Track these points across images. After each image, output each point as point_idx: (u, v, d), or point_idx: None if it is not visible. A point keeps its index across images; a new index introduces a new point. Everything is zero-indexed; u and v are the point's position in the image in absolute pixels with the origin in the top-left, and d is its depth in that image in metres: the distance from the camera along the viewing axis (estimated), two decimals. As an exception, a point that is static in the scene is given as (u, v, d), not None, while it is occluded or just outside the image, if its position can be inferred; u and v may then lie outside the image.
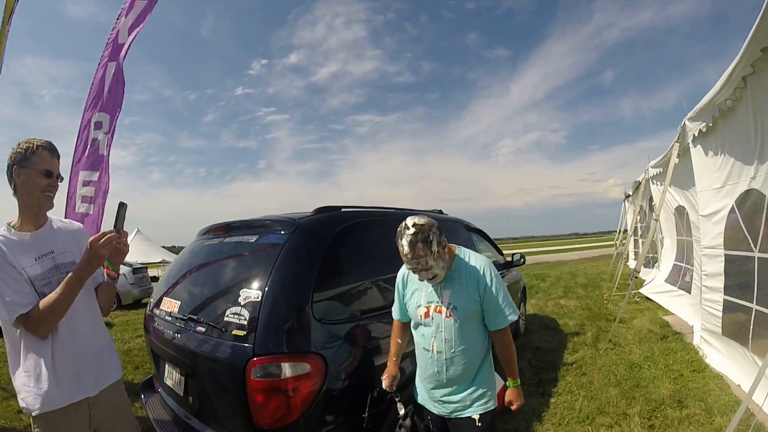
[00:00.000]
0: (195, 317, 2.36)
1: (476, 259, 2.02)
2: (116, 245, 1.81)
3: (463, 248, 2.09)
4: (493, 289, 1.94)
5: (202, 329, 2.26)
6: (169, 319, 2.59)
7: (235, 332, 2.06)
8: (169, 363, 2.59)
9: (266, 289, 2.10)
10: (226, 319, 2.15)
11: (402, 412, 2.07)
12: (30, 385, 1.74)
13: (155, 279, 15.49)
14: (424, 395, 2.11)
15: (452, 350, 1.95)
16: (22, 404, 1.76)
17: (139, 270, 13.37)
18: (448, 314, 1.94)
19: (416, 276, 2.02)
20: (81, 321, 1.87)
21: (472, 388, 1.98)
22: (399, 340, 2.21)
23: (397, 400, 2.08)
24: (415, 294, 2.08)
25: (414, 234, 1.81)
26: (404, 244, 1.82)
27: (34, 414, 1.74)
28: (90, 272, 1.76)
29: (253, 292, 2.13)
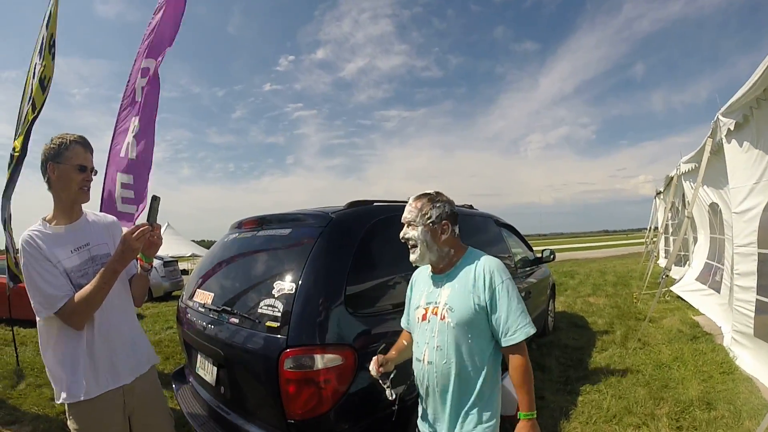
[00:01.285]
0: (228, 309, 2.41)
1: (486, 259, 1.73)
2: (150, 238, 1.85)
3: (476, 250, 1.84)
4: (503, 292, 1.63)
5: (236, 321, 2.31)
6: (203, 310, 2.64)
7: (268, 324, 2.10)
8: (201, 353, 2.64)
9: (300, 281, 2.13)
10: (259, 310, 2.19)
11: (392, 397, 1.75)
12: (65, 375, 1.76)
13: (185, 272, 15.81)
14: (422, 425, 1.84)
15: (444, 361, 1.66)
16: (58, 394, 1.78)
17: (169, 263, 13.72)
18: (442, 316, 1.68)
19: (423, 279, 1.89)
20: (115, 311, 1.90)
21: (463, 413, 1.67)
22: (405, 342, 2.00)
23: (385, 386, 1.77)
24: (417, 295, 1.87)
25: (428, 193, 1.79)
26: (413, 197, 1.80)
27: (69, 402, 1.76)
28: (124, 264, 1.78)
29: (286, 284, 2.16)
